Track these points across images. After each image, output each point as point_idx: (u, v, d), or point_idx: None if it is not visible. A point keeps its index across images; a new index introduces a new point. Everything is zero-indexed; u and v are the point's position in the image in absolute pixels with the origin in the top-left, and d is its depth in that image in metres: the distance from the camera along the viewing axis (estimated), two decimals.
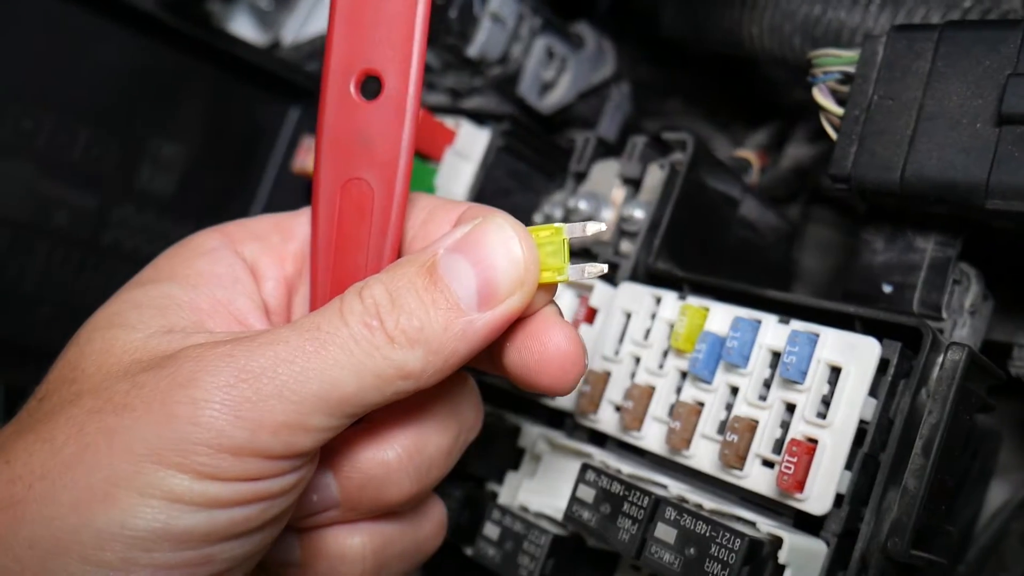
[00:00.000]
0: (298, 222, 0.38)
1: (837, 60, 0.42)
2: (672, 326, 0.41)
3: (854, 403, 0.35)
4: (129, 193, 0.65)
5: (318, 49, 0.69)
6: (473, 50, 0.58)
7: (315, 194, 0.35)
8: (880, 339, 0.36)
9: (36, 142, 0.59)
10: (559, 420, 0.46)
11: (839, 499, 0.35)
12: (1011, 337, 0.43)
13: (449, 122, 0.56)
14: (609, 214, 0.51)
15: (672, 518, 0.35)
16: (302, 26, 0.74)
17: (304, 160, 0.61)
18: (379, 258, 0.34)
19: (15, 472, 0.28)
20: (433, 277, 0.30)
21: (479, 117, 0.57)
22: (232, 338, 0.30)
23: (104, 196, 0.63)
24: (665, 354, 0.42)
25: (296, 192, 0.68)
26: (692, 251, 0.47)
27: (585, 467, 0.38)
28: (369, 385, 0.29)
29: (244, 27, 0.78)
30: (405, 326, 0.29)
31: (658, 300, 0.43)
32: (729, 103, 0.74)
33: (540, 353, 0.32)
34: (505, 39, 0.59)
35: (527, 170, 0.58)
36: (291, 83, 0.66)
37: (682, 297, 0.42)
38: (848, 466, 0.35)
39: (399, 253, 0.35)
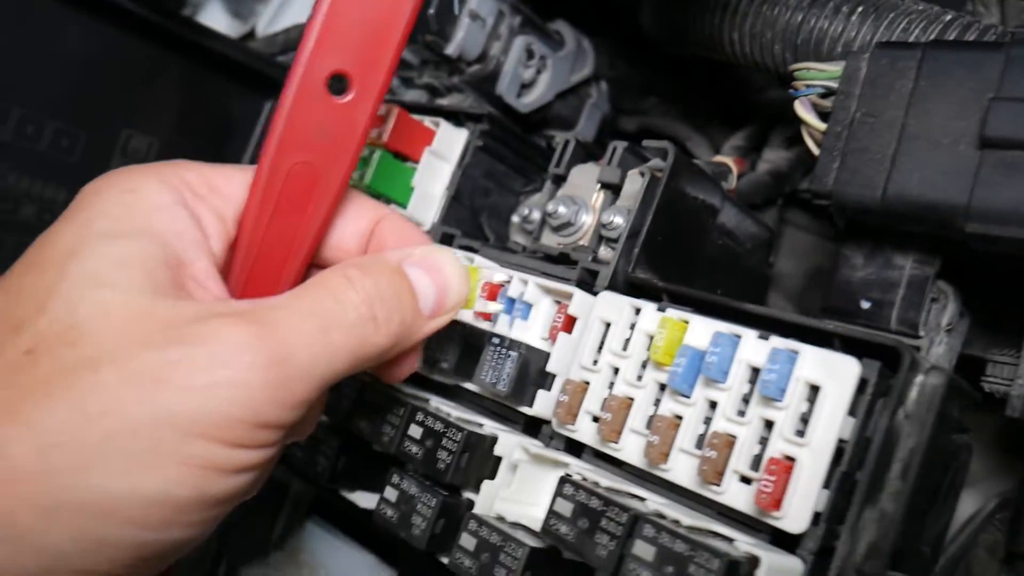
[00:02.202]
0: (228, 182, 0.38)
1: (820, 75, 0.41)
2: (651, 338, 0.41)
3: (833, 422, 0.35)
4: None
5: (292, 40, 0.68)
6: (452, 48, 0.57)
7: (261, 169, 0.37)
8: (859, 357, 0.36)
9: (2, 134, 0.58)
10: (536, 429, 0.46)
11: (816, 517, 0.35)
12: (984, 352, 0.44)
13: (427, 122, 0.55)
14: (588, 219, 0.51)
15: (650, 535, 0.35)
16: (276, 16, 0.73)
17: None
18: (307, 236, 0.38)
19: (45, 440, 0.29)
20: (407, 283, 0.37)
21: (457, 116, 0.56)
22: (241, 312, 0.32)
23: (73, 188, 0.62)
24: (644, 365, 0.42)
25: None
26: (671, 259, 0.47)
27: (564, 480, 0.38)
28: (354, 365, 0.34)
29: (217, 15, 0.76)
30: (390, 318, 0.35)
31: (637, 311, 0.43)
32: (706, 104, 0.74)
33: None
34: (484, 38, 0.59)
35: (505, 171, 0.57)
36: (265, 76, 0.65)
37: (661, 308, 0.42)
38: (825, 484, 0.35)
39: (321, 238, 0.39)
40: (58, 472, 0.29)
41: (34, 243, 0.34)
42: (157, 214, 0.34)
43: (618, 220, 0.48)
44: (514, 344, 0.45)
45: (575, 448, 0.44)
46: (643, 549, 0.35)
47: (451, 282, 0.39)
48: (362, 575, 0.57)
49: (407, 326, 0.36)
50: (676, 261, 0.48)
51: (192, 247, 0.35)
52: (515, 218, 0.57)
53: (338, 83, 0.36)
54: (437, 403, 0.47)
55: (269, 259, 0.38)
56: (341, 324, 0.34)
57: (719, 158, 0.58)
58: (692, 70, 0.74)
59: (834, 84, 0.40)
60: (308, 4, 0.71)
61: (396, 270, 0.37)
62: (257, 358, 0.31)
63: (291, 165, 0.36)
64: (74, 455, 0.29)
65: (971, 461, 0.46)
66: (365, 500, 0.51)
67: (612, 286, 0.46)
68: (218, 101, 0.67)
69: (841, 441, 0.36)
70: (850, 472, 0.36)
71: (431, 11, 0.56)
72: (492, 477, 0.44)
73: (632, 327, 0.43)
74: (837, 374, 0.36)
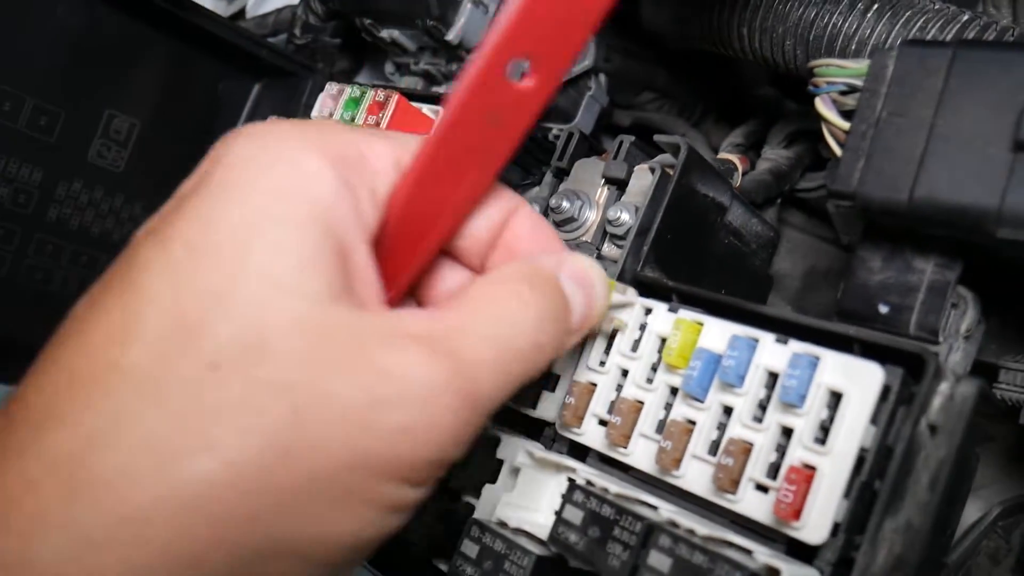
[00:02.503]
0: (374, 153, 0.33)
1: (842, 72, 0.40)
2: (663, 340, 0.40)
3: (855, 430, 0.34)
4: (77, 167, 0.61)
5: (283, 21, 0.66)
6: (452, 35, 0.56)
7: (427, 147, 0.33)
8: (881, 363, 0.35)
9: None
10: (539, 431, 0.44)
11: (835, 528, 0.34)
12: (998, 359, 0.43)
13: (426, 110, 0.54)
14: (592, 215, 0.49)
15: (667, 546, 0.34)
16: None
17: None
18: (453, 221, 0.36)
19: (244, 478, 0.26)
20: (566, 301, 0.35)
21: None
22: (428, 337, 0.30)
23: (50, 169, 0.59)
24: (654, 368, 0.41)
25: None
26: (679, 258, 0.46)
27: (573, 487, 0.37)
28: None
29: None
30: (552, 343, 0.34)
31: (648, 311, 0.41)
32: (703, 100, 0.73)
33: None
34: (486, 24, 0.57)
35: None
36: (255, 57, 0.63)
37: (673, 309, 0.41)
38: (846, 494, 0.34)
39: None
40: (257, 516, 0.26)
41: (181, 211, 0.29)
42: (323, 194, 0.30)
43: (625, 217, 0.46)
44: None
45: (578, 451, 0.43)
46: (659, 560, 0.34)
47: (599, 301, 0.37)
48: None
49: (561, 349, 0.35)
50: (684, 260, 0.46)
51: (352, 232, 0.31)
52: None
53: (519, 67, 0.33)
54: None
55: (406, 242, 0.35)
56: (518, 356, 0.32)
57: (724, 155, 0.57)
58: (689, 65, 0.73)
59: (857, 81, 0.39)
60: None
61: (557, 287, 0.35)
62: (453, 401, 0.29)
63: (457, 146, 0.33)
64: (273, 496, 0.26)
65: (977, 469, 0.45)
66: None
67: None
68: (205, 82, 0.65)
69: (862, 449, 0.35)
70: (870, 482, 0.34)
71: None
72: (493, 481, 0.43)
73: (642, 327, 0.41)
74: (860, 380, 0.35)
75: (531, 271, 0.34)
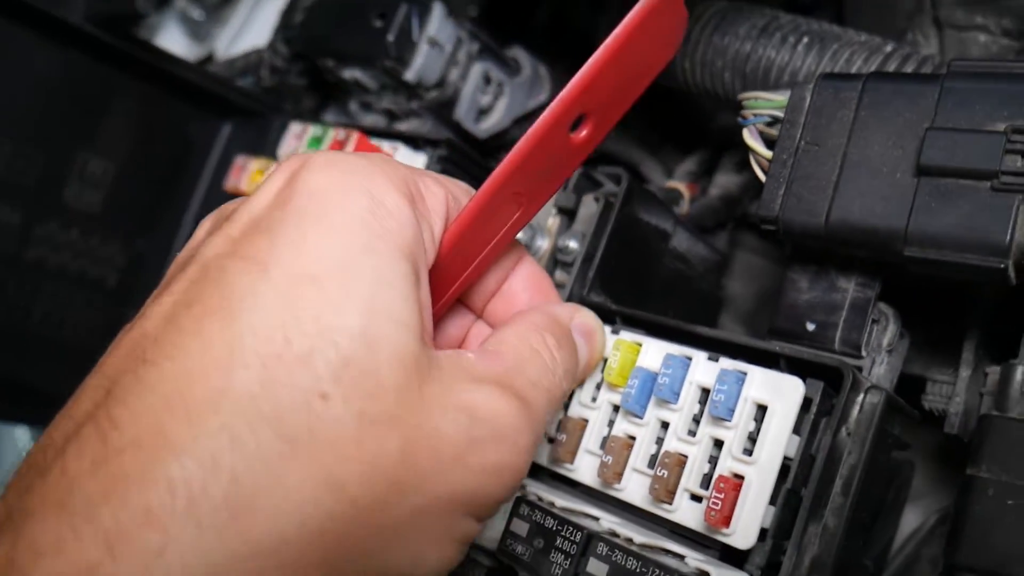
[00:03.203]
0: (430, 193, 0.34)
1: (767, 104, 0.43)
2: (606, 360, 0.42)
3: (779, 441, 0.36)
4: (54, 209, 0.63)
5: (252, 63, 0.69)
6: (410, 74, 0.58)
7: (485, 192, 0.34)
8: (804, 378, 0.37)
9: None
10: None
11: (763, 533, 0.36)
12: (925, 371, 0.45)
13: (386, 146, 0.56)
14: (544, 243, 0.52)
15: (604, 553, 0.36)
16: (235, 39, 0.73)
17: (237, 179, 0.60)
18: (486, 263, 0.37)
19: (359, 508, 0.27)
20: (576, 353, 0.38)
21: (415, 141, 0.57)
22: (501, 380, 0.32)
23: (28, 211, 0.62)
24: (598, 387, 0.43)
25: None
26: (624, 283, 0.48)
27: (519, 501, 0.39)
28: None
29: (175, 38, 0.76)
30: (566, 392, 0.37)
31: None
32: (659, 129, 0.76)
33: None
34: (442, 64, 0.59)
35: None
36: (224, 99, 0.66)
37: (615, 331, 0.43)
38: (772, 501, 0.36)
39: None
40: (366, 551, 0.27)
41: (271, 237, 0.29)
42: (406, 229, 0.30)
43: (573, 245, 0.49)
44: None
45: (531, 470, 0.45)
46: (596, 567, 0.36)
47: (598, 352, 0.40)
48: None
49: (564, 388, 0.36)
50: (629, 284, 0.49)
51: (423, 268, 0.32)
52: None
53: (577, 121, 0.35)
54: None
55: (445, 279, 0.36)
56: (556, 402, 0.35)
57: (671, 183, 0.59)
58: (646, 98, 0.75)
59: (780, 113, 0.42)
60: (267, 27, 0.71)
61: (572, 340, 0.38)
62: (529, 443, 0.31)
63: (510, 192, 0.35)
64: (383, 531, 0.28)
65: (913, 477, 0.47)
66: None
67: None
68: (176, 125, 0.67)
69: (786, 459, 0.37)
70: (795, 489, 0.37)
71: (390, 37, 0.57)
72: None
73: None
74: (783, 394, 0.37)
75: (551, 322, 0.37)
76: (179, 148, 0.68)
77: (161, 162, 0.67)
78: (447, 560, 0.30)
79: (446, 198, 0.34)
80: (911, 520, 0.50)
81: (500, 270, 0.39)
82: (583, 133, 0.35)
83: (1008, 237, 0.34)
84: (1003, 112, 0.35)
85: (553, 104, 0.33)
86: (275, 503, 0.25)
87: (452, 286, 0.37)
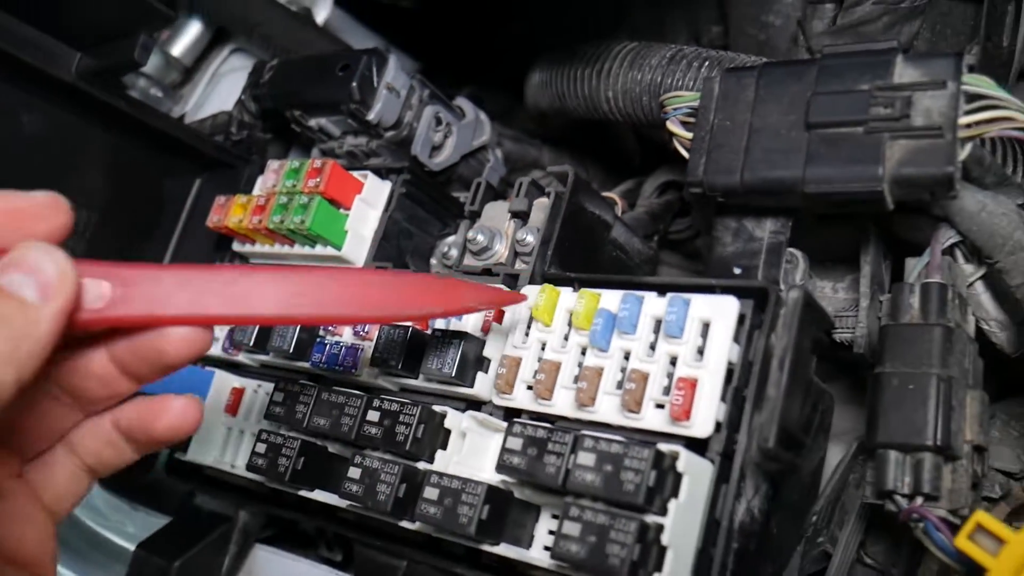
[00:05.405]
0: None
1: (683, 99, 0.53)
2: (571, 313, 0.50)
3: (722, 347, 0.45)
4: None
5: (220, 124, 0.76)
6: (372, 115, 0.67)
7: None
8: (738, 299, 0.46)
9: None
10: (477, 408, 0.53)
11: (718, 426, 0.44)
12: (833, 311, 0.55)
13: (357, 175, 0.64)
14: (501, 245, 0.59)
15: (590, 446, 0.43)
16: (201, 101, 0.81)
17: (220, 215, 0.66)
18: None
19: None
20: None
21: (380, 172, 0.65)
22: None
23: None
24: (566, 337, 0.50)
25: (202, 255, 0.73)
26: (576, 261, 0.57)
27: (512, 422, 0.46)
28: None
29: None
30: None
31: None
32: (588, 165, 0.86)
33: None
34: (399, 107, 0.68)
35: (425, 216, 0.66)
36: (197, 151, 0.72)
37: (575, 289, 0.51)
38: (723, 398, 0.44)
39: None
40: None
41: None
42: None
43: (529, 238, 0.57)
44: (455, 334, 0.52)
45: (512, 417, 0.51)
46: (586, 458, 0.42)
47: (45, 267, 0.35)
48: None
49: (17, 315, 0.34)
50: (580, 264, 0.57)
51: None
52: (434, 258, 0.65)
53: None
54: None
55: None
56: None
57: (606, 193, 0.69)
58: (574, 138, 0.86)
59: (694, 104, 0.52)
60: (234, 89, 0.80)
61: None
62: None
63: None
64: None
65: (834, 408, 0.56)
66: (324, 497, 0.56)
67: (531, 283, 0.54)
68: (153, 177, 0.73)
69: (731, 363, 0.45)
70: (740, 388, 0.45)
71: (354, 83, 0.66)
72: (444, 448, 0.51)
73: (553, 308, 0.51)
74: (722, 311, 0.45)
75: None
76: (154, 199, 0.74)
77: (138, 212, 0.73)
78: None
79: None
80: (835, 454, 0.58)
81: None
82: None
83: (880, 167, 0.44)
84: (867, 76, 0.46)
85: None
86: None
87: None
